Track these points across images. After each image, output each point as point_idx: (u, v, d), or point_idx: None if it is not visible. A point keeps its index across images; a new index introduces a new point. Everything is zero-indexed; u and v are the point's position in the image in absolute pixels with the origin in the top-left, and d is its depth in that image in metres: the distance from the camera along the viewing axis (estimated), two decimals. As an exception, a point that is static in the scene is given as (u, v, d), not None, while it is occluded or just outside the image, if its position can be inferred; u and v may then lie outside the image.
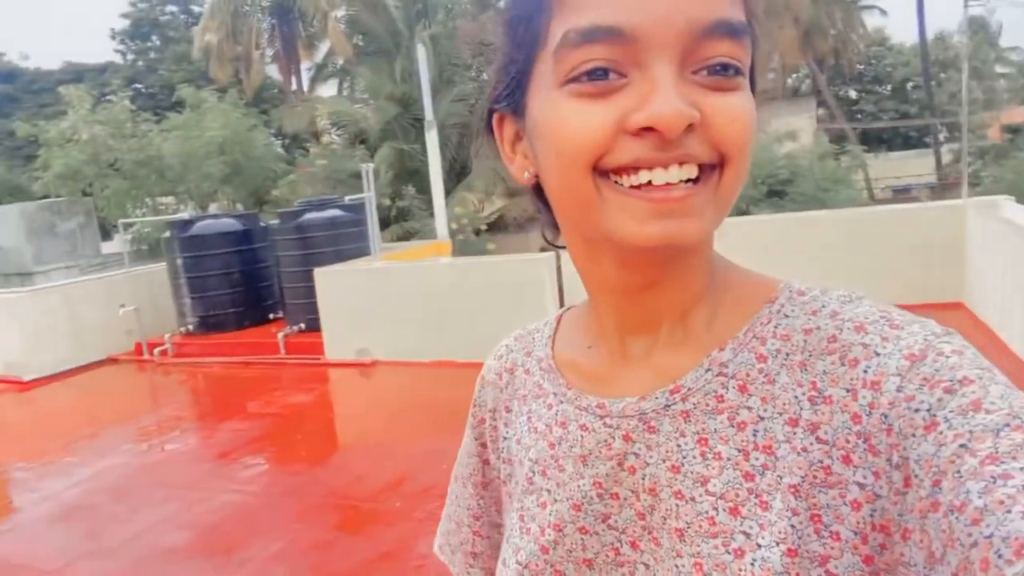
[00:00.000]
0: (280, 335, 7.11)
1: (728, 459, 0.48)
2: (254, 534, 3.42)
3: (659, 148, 0.43)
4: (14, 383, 7.02)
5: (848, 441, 0.44)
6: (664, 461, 0.50)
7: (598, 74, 0.44)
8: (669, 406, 0.51)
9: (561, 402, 0.57)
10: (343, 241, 7.44)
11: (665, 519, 0.50)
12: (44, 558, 3.37)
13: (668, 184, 0.44)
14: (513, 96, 0.51)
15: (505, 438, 0.63)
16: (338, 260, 7.09)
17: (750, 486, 0.46)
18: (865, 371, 0.44)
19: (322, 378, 6.41)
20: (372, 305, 6.50)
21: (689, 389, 0.50)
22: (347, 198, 7.92)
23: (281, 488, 4.02)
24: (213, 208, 16.39)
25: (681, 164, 0.44)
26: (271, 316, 8.06)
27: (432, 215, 8.82)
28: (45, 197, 16.77)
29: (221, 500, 3.88)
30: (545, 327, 0.64)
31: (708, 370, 0.50)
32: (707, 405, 0.49)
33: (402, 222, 13.18)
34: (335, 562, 3.08)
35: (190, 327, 7.82)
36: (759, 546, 0.45)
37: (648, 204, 0.44)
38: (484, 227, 12.34)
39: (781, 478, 0.46)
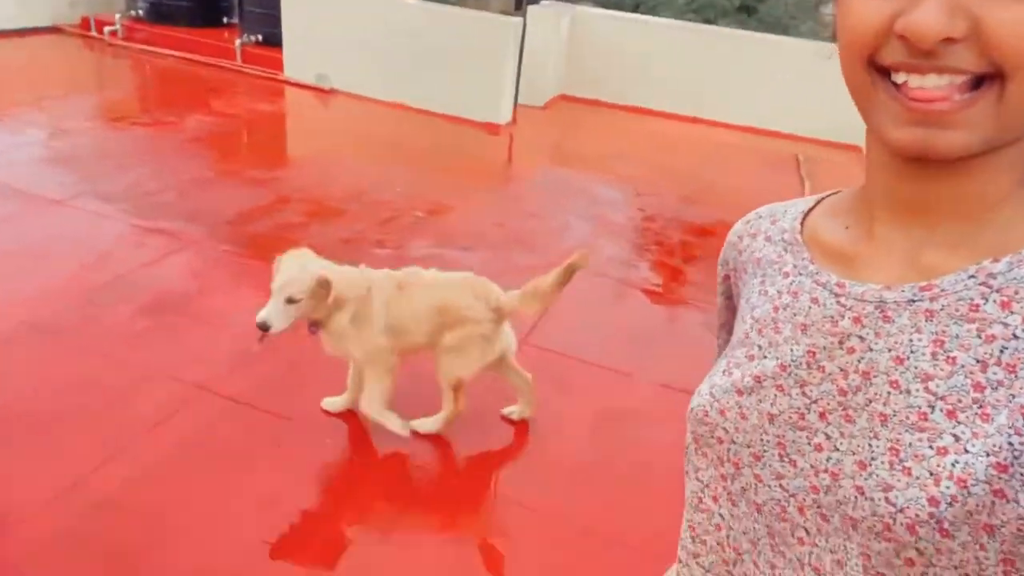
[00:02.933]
0: (237, 42, 7.20)
1: (962, 365, 0.48)
2: (227, 207, 4.12)
3: (913, 55, 0.45)
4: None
5: None
6: (889, 351, 0.52)
7: None
8: (914, 301, 0.51)
9: (800, 274, 0.60)
10: (313, -44, 7.29)
11: (870, 402, 0.52)
12: (50, 190, 3.96)
13: (923, 89, 0.45)
14: None
15: (740, 296, 0.68)
16: (307, -25, 7.03)
17: (976, 396, 0.47)
18: None
19: (279, 93, 6.75)
20: (338, 31, 6.69)
21: (943, 291, 0.50)
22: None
23: (251, 178, 4.65)
24: None
25: (941, 73, 0.44)
26: (224, 20, 7.98)
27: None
28: None
29: (201, 175, 4.51)
30: (802, 203, 0.66)
31: (972, 277, 0.50)
32: (956, 310, 0.50)
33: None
34: (307, 239, 3.87)
35: (140, 12, 7.68)
36: (966, 451, 0.46)
37: (904, 108, 0.45)
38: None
39: (1014, 396, 0.46)
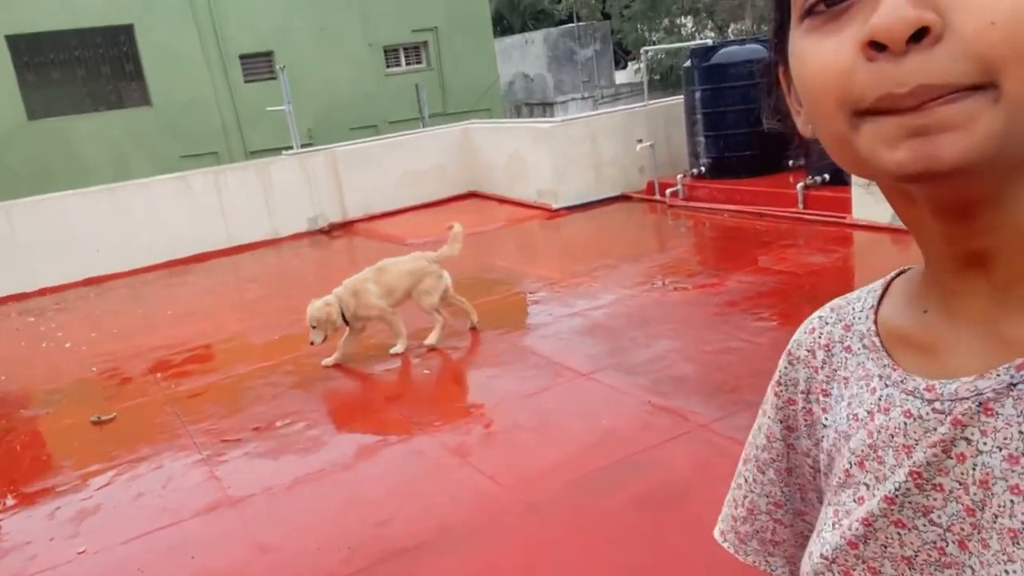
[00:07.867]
0: (799, 186, 7.67)
1: None
2: (759, 380, 4.25)
3: (894, 68, 0.45)
4: (544, 210, 9.34)
5: None
6: (1000, 449, 0.52)
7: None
8: (1015, 384, 0.52)
9: (886, 385, 0.61)
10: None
11: (996, 517, 0.52)
12: (579, 363, 4.84)
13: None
14: (780, 46, 0.58)
15: (824, 425, 0.68)
16: (882, 97, 7.16)
17: None
18: None
19: (845, 240, 6.83)
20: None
21: None
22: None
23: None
24: (731, 32, 17.35)
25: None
26: (790, 163, 8.61)
27: None
28: (564, 22, 20.07)
29: (727, 345, 4.84)
30: (868, 295, 0.68)
31: None
32: None
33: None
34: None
35: (702, 168, 8.97)
36: None
37: (896, 119, 0.46)
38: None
39: None
